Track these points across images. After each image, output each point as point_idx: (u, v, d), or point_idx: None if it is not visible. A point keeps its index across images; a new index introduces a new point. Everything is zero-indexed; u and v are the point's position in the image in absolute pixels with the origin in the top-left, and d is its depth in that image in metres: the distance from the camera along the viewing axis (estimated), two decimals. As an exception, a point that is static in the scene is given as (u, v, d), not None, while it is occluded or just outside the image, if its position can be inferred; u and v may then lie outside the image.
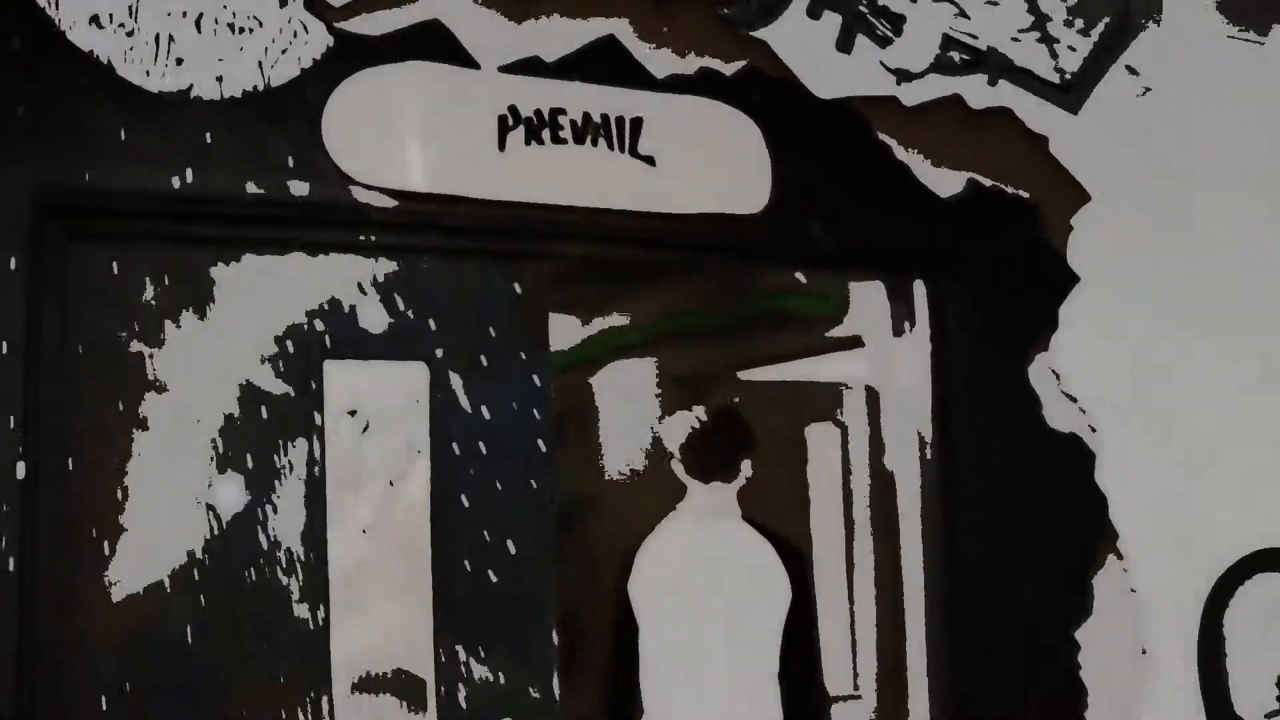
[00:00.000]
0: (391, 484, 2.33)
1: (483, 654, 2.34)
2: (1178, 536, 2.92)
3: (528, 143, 2.30)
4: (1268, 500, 2.90)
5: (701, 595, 3.03)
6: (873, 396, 3.44)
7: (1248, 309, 2.94)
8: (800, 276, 3.73)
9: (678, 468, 3.13)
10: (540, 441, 2.42)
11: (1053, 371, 2.93)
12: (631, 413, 5.68)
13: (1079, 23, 2.91)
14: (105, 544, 2.11)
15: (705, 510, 3.12)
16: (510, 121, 2.29)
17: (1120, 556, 2.93)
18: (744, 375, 5.05)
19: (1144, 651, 2.92)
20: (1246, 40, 3.04)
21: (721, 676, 3.00)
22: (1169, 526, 2.93)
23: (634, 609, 3.04)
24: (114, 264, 2.13)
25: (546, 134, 2.31)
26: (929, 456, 2.87)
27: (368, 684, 2.29)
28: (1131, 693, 2.90)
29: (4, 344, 1.99)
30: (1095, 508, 2.92)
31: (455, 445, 2.34)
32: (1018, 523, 2.86)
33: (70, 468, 2.08)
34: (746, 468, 3.12)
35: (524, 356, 2.42)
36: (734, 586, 3.05)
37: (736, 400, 3.49)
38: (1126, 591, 2.92)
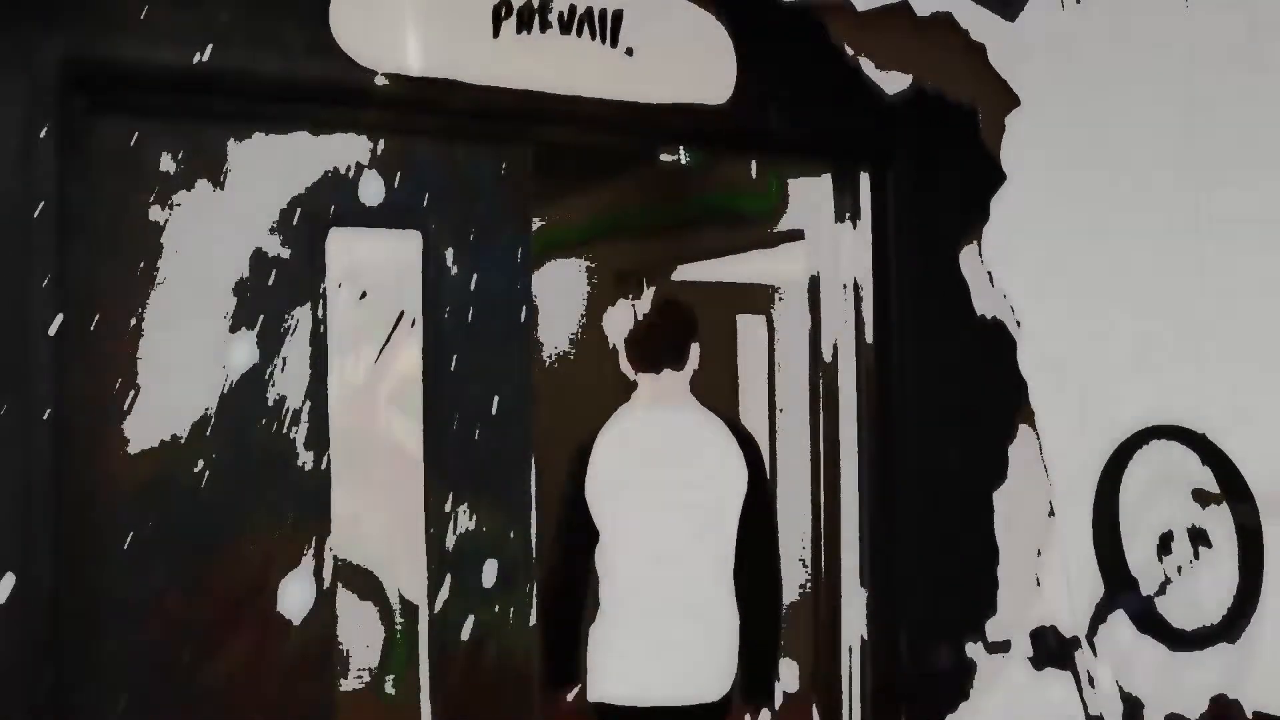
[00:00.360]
0: (387, 343, 2.52)
1: (468, 502, 2.57)
2: (1084, 413, 3.24)
3: (519, 31, 2.47)
4: (1162, 385, 3.22)
5: (661, 483, 2.93)
6: (813, 284, 3.61)
7: (1161, 207, 3.23)
8: (753, 169, 3.90)
9: (624, 362, 3.05)
10: (522, 309, 2.63)
11: (982, 261, 3.22)
12: (569, 308, 5.88)
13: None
14: (127, 397, 2.28)
15: (657, 400, 3.02)
16: (504, 11, 2.45)
17: (1034, 430, 3.26)
18: (683, 270, 5.23)
19: (1051, 513, 3.27)
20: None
21: (683, 565, 2.92)
22: (1077, 404, 3.25)
23: (591, 510, 2.92)
24: (134, 135, 2.27)
25: (536, 23, 2.49)
26: (867, 338, 3.14)
27: (364, 526, 2.51)
28: (1039, 550, 3.25)
29: (38, 207, 2.13)
30: (1015, 387, 3.24)
31: (445, 309, 2.54)
32: (945, 398, 3.16)
33: (94, 326, 2.24)
34: (694, 354, 3.04)
35: (508, 230, 2.61)
36: (693, 471, 2.95)
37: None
38: (1038, 460, 3.26)
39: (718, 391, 4.83)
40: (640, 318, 3.02)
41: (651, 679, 2.88)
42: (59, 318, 2.14)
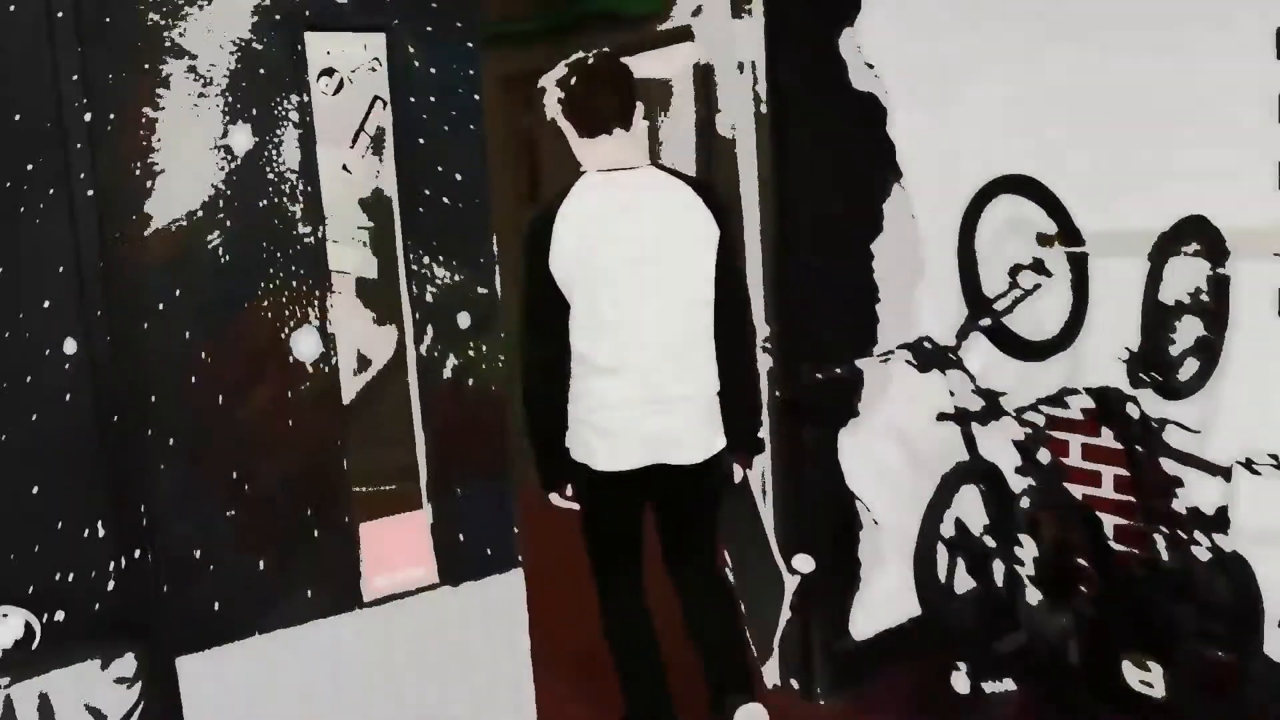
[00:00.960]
0: (363, 126, 2.89)
1: (441, 260, 3.00)
2: (943, 172, 3.82)
3: None
4: (1010, 140, 3.80)
5: (630, 249, 2.94)
6: (705, 73, 4.01)
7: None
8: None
9: (568, 128, 3.03)
10: (475, 94, 3.01)
11: (856, 44, 3.70)
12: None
13: None
14: (148, 182, 2.63)
15: (614, 164, 2.99)
16: None
17: (903, 188, 3.82)
18: None
19: (918, 256, 3.87)
20: None
21: (659, 330, 2.97)
22: (939, 164, 3.82)
23: (560, 285, 2.96)
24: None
25: None
26: (763, 112, 3.61)
27: (357, 287, 2.93)
28: (911, 289, 3.85)
29: (59, 13, 2.44)
30: (886, 151, 3.77)
31: (411, 97, 2.92)
32: (830, 163, 3.67)
33: (115, 120, 2.57)
34: (639, 114, 3.03)
35: (460, 25, 2.97)
36: (662, 234, 2.96)
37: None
38: (909, 214, 3.83)
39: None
40: (575, 78, 3.00)
41: (633, 448, 3.00)
42: (88, 115, 2.48)
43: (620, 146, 2.99)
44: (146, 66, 2.59)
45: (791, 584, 3.71)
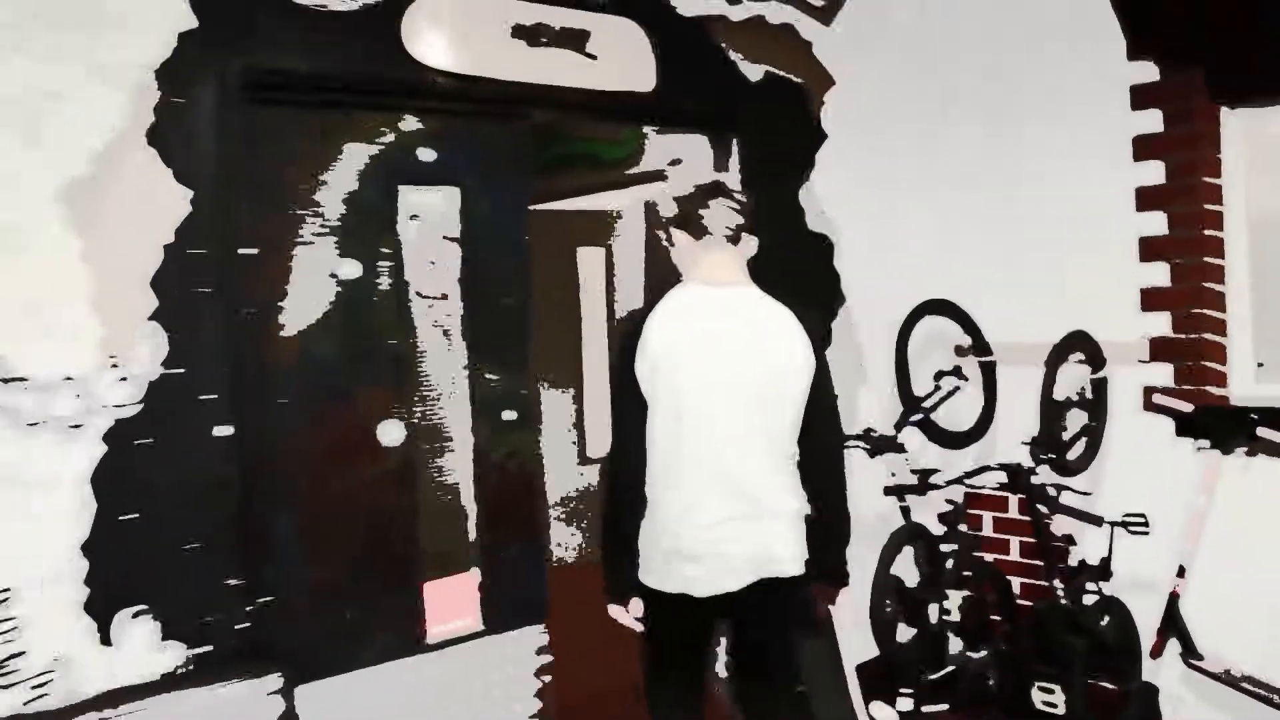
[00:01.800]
0: (433, 263, 3.63)
1: (492, 366, 3.71)
2: (880, 296, 4.69)
3: (528, 45, 3.63)
4: (935, 271, 4.70)
5: (717, 360, 2.83)
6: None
7: (928, 154, 4.69)
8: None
9: (679, 236, 2.98)
10: (523, 234, 3.79)
11: (813, 194, 4.59)
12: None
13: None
14: (280, 302, 3.32)
15: (714, 275, 2.93)
16: (516, 32, 3.61)
17: (848, 310, 4.69)
18: (555, 204, 6.31)
19: (862, 365, 4.73)
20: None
21: (737, 445, 2.83)
22: (876, 290, 4.70)
23: (642, 387, 2.85)
24: (279, 122, 3.30)
25: (537, 39, 3.64)
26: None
27: (431, 387, 3.64)
28: (856, 389, 4.70)
29: (230, 188, 3.15)
30: (835, 280, 4.65)
31: (474, 236, 3.67)
32: (790, 289, 4.49)
33: (260, 253, 3.27)
34: (749, 238, 2.99)
35: (514, 181, 3.77)
36: (752, 349, 2.85)
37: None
38: (852, 327, 4.69)
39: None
40: (691, 189, 2.98)
41: (698, 568, 2.83)
42: (246, 250, 3.20)
43: (722, 261, 2.95)
44: (288, 213, 3.32)
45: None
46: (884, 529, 4.09)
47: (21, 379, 2.75)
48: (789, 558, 2.89)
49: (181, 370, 3.05)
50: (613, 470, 3.02)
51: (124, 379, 2.92)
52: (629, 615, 3.02)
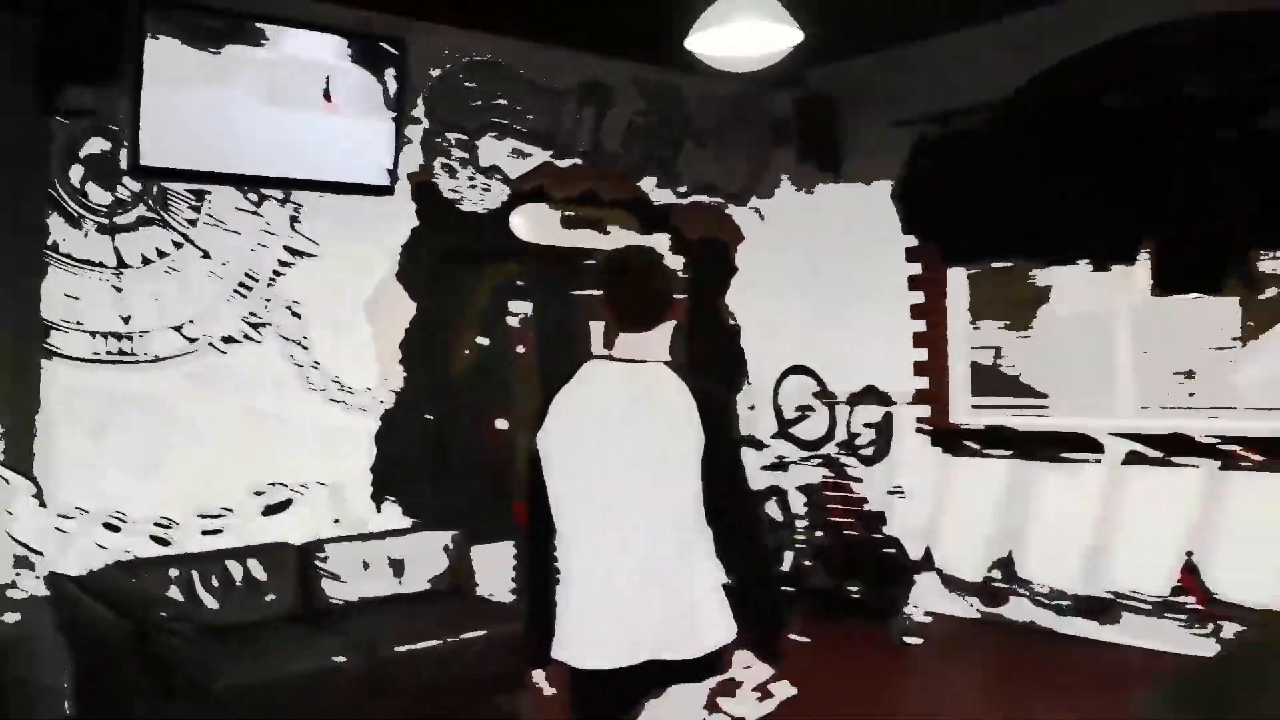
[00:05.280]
0: (520, 334, 6.93)
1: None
2: (764, 365, 8.00)
3: (570, 227, 7.00)
4: (798, 349, 8.00)
5: (609, 443, 2.77)
6: None
7: (794, 281, 8.04)
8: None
9: (604, 312, 2.91)
10: (569, 316, 7.11)
11: (726, 302, 7.92)
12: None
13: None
14: (465, 352, 6.62)
15: (626, 354, 2.86)
16: (564, 221, 6.96)
17: (749, 381, 8.02)
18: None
19: (753, 404, 8.06)
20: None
21: (635, 523, 2.75)
22: (763, 358, 8.02)
23: (543, 467, 2.84)
24: (453, 269, 6.63)
25: (574, 224, 7.01)
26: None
27: (523, 404, 6.92)
28: (754, 421, 8.00)
29: (433, 301, 6.48)
30: (740, 352, 7.97)
31: (545, 323, 6.98)
32: (712, 364, 7.80)
33: (448, 332, 6.57)
34: (668, 322, 2.90)
35: (564, 292, 7.09)
36: (642, 429, 2.76)
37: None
38: (747, 391, 8.02)
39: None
40: (604, 265, 2.94)
41: (609, 642, 2.76)
42: (440, 331, 6.53)
43: (636, 342, 2.85)
44: (459, 316, 6.62)
45: None
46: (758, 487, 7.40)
47: (349, 389, 6.02)
48: (686, 639, 2.76)
49: (411, 388, 6.33)
50: (527, 551, 3.05)
51: (389, 390, 6.19)
52: (550, 687, 2.99)
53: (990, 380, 7.26)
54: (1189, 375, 6.27)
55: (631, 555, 2.77)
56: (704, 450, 2.75)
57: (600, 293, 2.93)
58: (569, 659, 2.84)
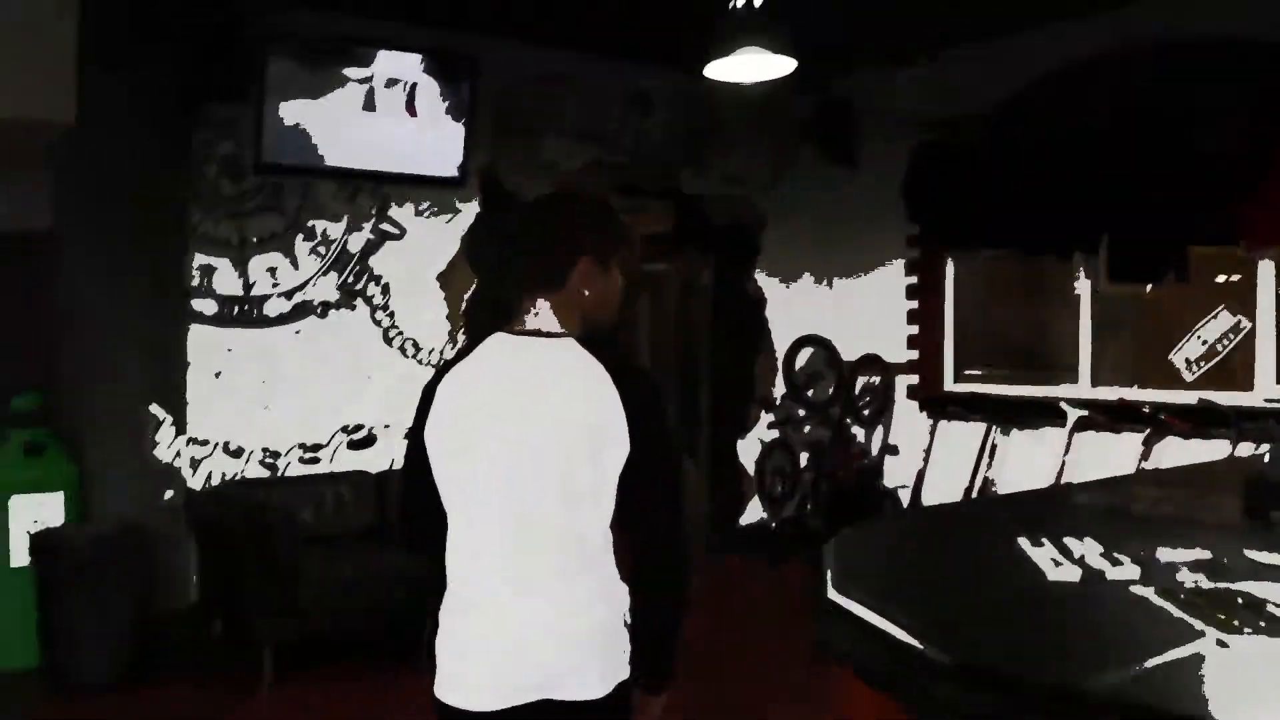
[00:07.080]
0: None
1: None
2: (783, 334, 9.14)
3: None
4: (812, 322, 9.12)
5: (507, 440, 2.21)
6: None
7: (811, 258, 9.17)
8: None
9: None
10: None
11: (751, 279, 9.05)
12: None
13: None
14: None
15: (526, 330, 2.30)
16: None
17: (771, 343, 9.15)
18: None
19: (774, 367, 9.20)
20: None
21: (534, 538, 2.21)
22: (781, 328, 9.16)
23: (431, 463, 2.29)
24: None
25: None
26: (708, 313, 8.88)
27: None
28: (770, 383, 9.14)
29: (487, 274, 7.70)
30: (765, 328, 9.10)
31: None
32: (741, 335, 8.94)
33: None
34: (582, 274, 2.28)
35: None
36: (546, 424, 2.19)
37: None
38: (773, 356, 9.16)
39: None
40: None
41: (495, 680, 2.24)
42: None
43: (537, 313, 2.31)
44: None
45: None
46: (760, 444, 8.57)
47: (421, 347, 7.26)
48: (593, 676, 2.25)
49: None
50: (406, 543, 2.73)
51: (451, 345, 7.42)
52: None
53: (974, 353, 8.35)
54: (1139, 353, 7.32)
55: (526, 575, 2.24)
56: (628, 452, 2.21)
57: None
58: (455, 703, 2.28)
